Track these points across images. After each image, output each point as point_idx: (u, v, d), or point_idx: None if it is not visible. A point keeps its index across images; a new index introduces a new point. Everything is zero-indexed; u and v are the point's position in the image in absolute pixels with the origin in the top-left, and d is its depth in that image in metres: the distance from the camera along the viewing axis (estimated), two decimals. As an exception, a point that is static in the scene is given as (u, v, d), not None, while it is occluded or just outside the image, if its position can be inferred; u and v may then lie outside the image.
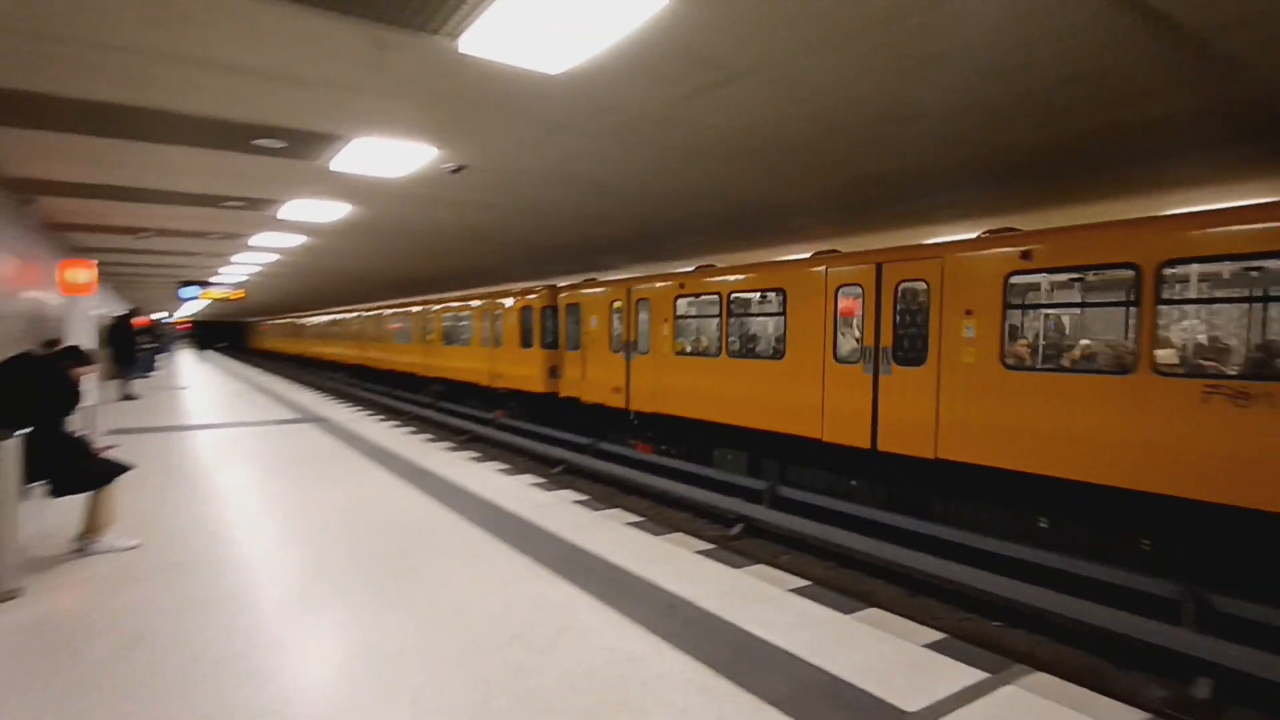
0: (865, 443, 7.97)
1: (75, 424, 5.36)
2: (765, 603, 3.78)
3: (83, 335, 9.99)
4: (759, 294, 10.14)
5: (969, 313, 6.98)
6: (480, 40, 3.78)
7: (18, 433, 3.93)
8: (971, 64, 4.15)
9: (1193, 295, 7.55)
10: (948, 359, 7.14)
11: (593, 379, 13.06)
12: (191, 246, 13.46)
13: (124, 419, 11.32)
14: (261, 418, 11.97)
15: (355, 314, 30.10)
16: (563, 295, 14.19)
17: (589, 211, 9.07)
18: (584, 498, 7.38)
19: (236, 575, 4.23)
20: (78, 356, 4.77)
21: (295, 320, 43.59)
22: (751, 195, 7.95)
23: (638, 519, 6.93)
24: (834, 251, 8.89)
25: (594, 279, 13.73)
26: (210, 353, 47.36)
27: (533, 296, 15.04)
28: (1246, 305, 7.45)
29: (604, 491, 11.15)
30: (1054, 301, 8.24)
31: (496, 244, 12.32)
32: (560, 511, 5.72)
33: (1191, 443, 5.54)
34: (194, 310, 41.38)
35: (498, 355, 16.50)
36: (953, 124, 5.28)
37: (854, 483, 8.44)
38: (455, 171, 6.81)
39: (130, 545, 4.64)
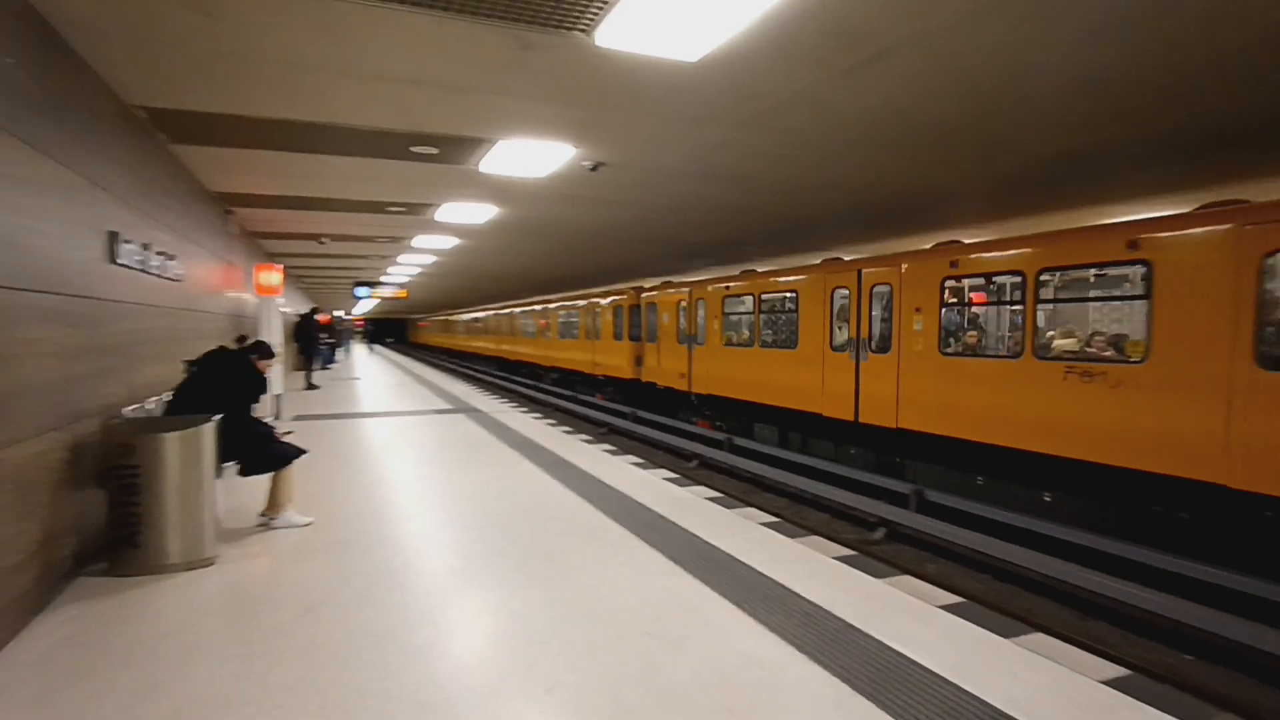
0: (850, 416, 9.80)
1: (261, 411, 6.01)
2: (910, 617, 3.51)
3: (274, 331, 11.22)
4: (780, 295, 11.76)
5: (918, 310, 8.68)
6: (616, 32, 3.78)
7: (213, 418, 4.44)
8: (1172, 21, 3.61)
9: (1057, 296, 8.50)
10: (905, 348, 8.88)
11: (665, 367, 15.46)
12: (362, 250, 14.78)
13: (306, 407, 12.65)
14: (421, 407, 12.91)
15: (492, 312, 34.44)
16: (644, 296, 16.51)
17: (729, 205, 8.93)
18: (718, 494, 7.29)
19: (394, 554, 4.55)
20: (264, 351, 5.33)
21: (447, 317, 48.53)
22: (900, 184, 7.46)
23: (772, 519, 6.74)
24: (836, 259, 10.83)
25: (670, 281, 15.98)
26: (378, 347, 51.99)
27: (622, 297, 17.53)
28: (1089, 304, 8.84)
29: (739, 487, 11.00)
30: (972, 301, 9.41)
31: (635, 241, 12.47)
32: (694, 507, 5.67)
33: (1059, 411, 6.95)
34: (366, 309, 45.54)
35: (597, 347, 19.36)
36: (1144, 93, 4.64)
37: (979, 481, 8.53)
38: (594, 169, 6.93)
39: (305, 522, 5.14)
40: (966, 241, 8.73)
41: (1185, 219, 6.20)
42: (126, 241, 4.85)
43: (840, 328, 10.20)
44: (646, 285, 16.82)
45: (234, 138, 6.03)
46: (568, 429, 11.16)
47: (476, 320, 38.43)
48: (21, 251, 3.42)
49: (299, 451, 5.21)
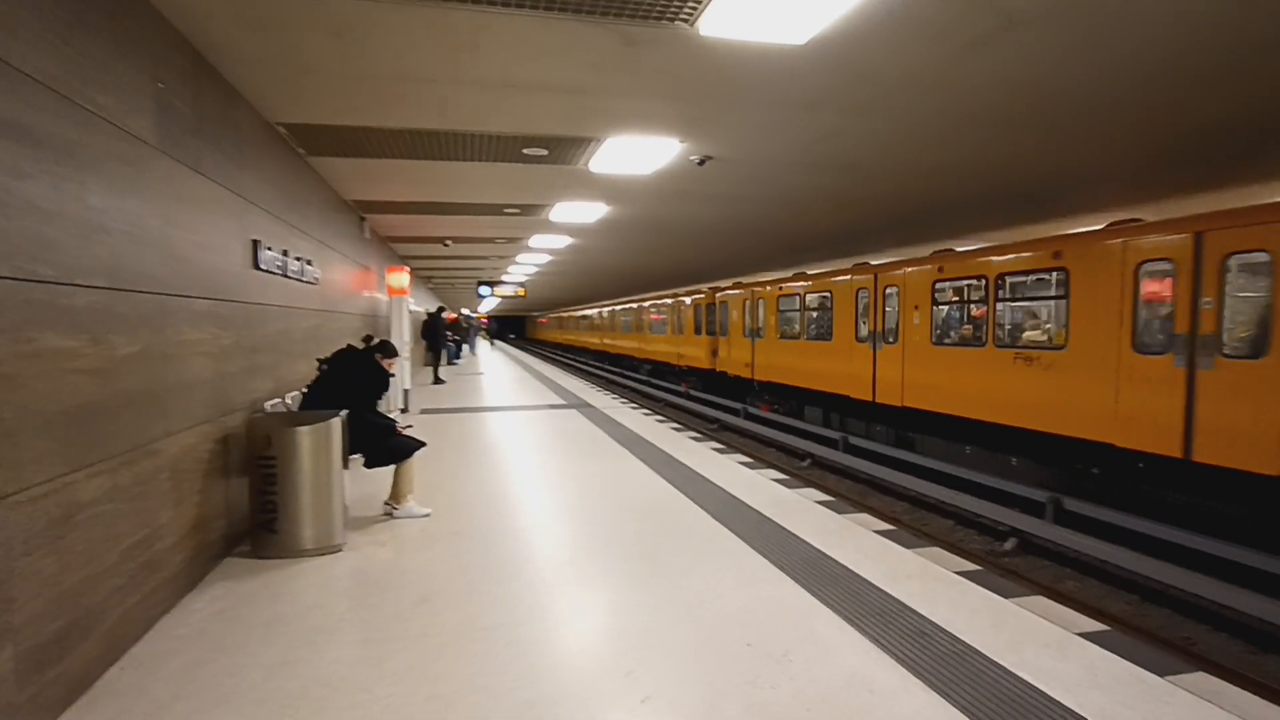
0: (869, 396, 11.75)
1: (388, 406, 6.36)
2: (1045, 646, 3.17)
3: (403, 329, 11.93)
4: (820, 295, 13.62)
5: (916, 308, 10.60)
6: (720, 20, 3.66)
7: (340, 413, 4.74)
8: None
9: (1011, 297, 9.47)
10: (907, 339, 10.81)
11: (734, 357, 17.70)
12: (483, 251, 15.43)
13: (432, 401, 13.37)
14: (536, 402, 13.33)
15: (596, 310, 37.93)
16: (718, 295, 18.63)
17: (844, 195, 8.55)
18: (829, 497, 6.99)
19: (504, 546, 4.68)
20: (388, 350, 5.64)
21: (559, 315, 52.97)
22: (1034, 165, 6.84)
23: (888, 526, 6.37)
24: (864, 264, 12.61)
25: (740, 282, 17.97)
26: (500, 343, 54.35)
27: (700, 296, 19.91)
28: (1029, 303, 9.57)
29: (854, 489, 10.56)
30: (954, 300, 10.45)
31: (743, 236, 12.23)
32: (803, 511, 5.46)
33: (1012, 389, 8.62)
34: (490, 307, 47.72)
35: (681, 341, 22.07)
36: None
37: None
38: (701, 163, 6.82)
39: (424, 513, 5.39)
40: (957, 250, 10.62)
41: (1093, 234, 7.93)
42: (268, 249, 5.27)
43: (863, 323, 12.14)
44: (721, 286, 18.74)
45: (364, 148, 6.41)
46: (676, 425, 11.14)
47: (584, 317, 42.13)
48: (179, 260, 3.78)
49: (418, 445, 5.47)
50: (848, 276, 12.53)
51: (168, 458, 3.62)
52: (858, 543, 4.68)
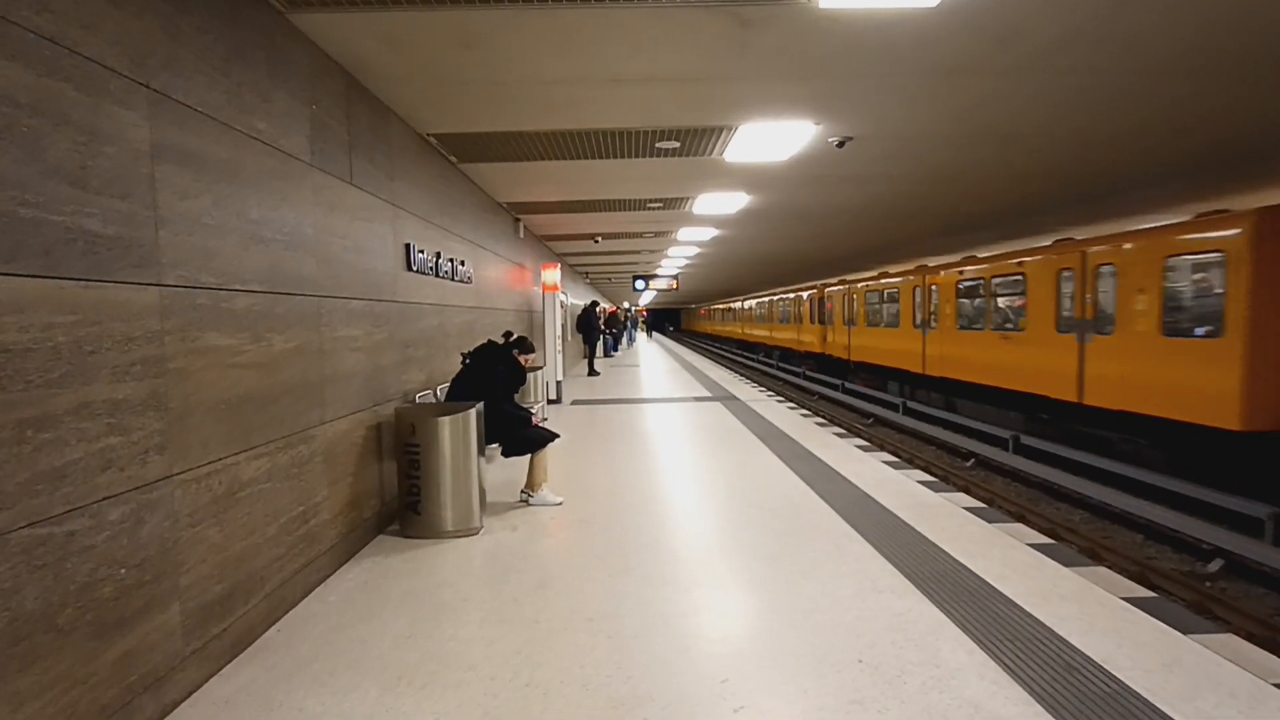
0: (921, 370, 15.24)
1: (525, 398, 6.67)
2: (1232, 696, 2.64)
3: (554, 323, 12.48)
4: (891, 289, 16.97)
5: (947, 301, 14.12)
6: (837, -9, 3.42)
7: (477, 404, 5.03)
8: None
9: (999, 293, 12.48)
10: (941, 325, 14.37)
11: (835, 342, 21.62)
12: (634, 245, 15.75)
13: (586, 392, 13.89)
14: (683, 394, 13.40)
15: (738, 302, 42.28)
16: (825, 291, 22.36)
17: (1003, 171, 7.72)
18: (979, 504, 6.33)
19: (626, 537, 4.73)
20: (525, 346, 5.90)
21: (710, 307, 57.64)
22: (1243, 122, 5.73)
23: (1046, 540, 5.66)
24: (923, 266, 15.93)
25: (845, 279, 20.90)
26: (657, 335, 55.27)
27: (812, 291, 24.00)
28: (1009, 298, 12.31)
29: (1025, 494, 9.55)
30: (968, 295, 13.43)
31: (898, 218, 11.44)
32: (947, 517, 5.00)
33: (1001, 359, 11.98)
34: (647, 300, 48.76)
35: (800, 329, 26.10)
36: None
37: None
38: (840, 145, 6.45)
39: (557, 501, 5.59)
40: (980, 255, 13.23)
41: (1040, 249, 11.09)
42: (420, 251, 5.71)
43: (917, 313, 15.41)
44: (830, 282, 22.20)
45: (508, 152, 6.75)
46: (820, 420, 10.68)
47: (729, 309, 47.55)
48: (336, 265, 4.19)
49: (552, 436, 5.68)
50: (898, 279, 16.44)
51: (323, 442, 4.04)
52: (1006, 555, 4.20)
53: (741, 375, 21.10)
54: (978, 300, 13.11)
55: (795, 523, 4.96)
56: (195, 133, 2.88)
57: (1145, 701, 2.62)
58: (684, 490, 6.07)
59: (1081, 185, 8.52)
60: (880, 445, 12.66)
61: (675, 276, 25.12)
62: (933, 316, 14.62)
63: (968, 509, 5.29)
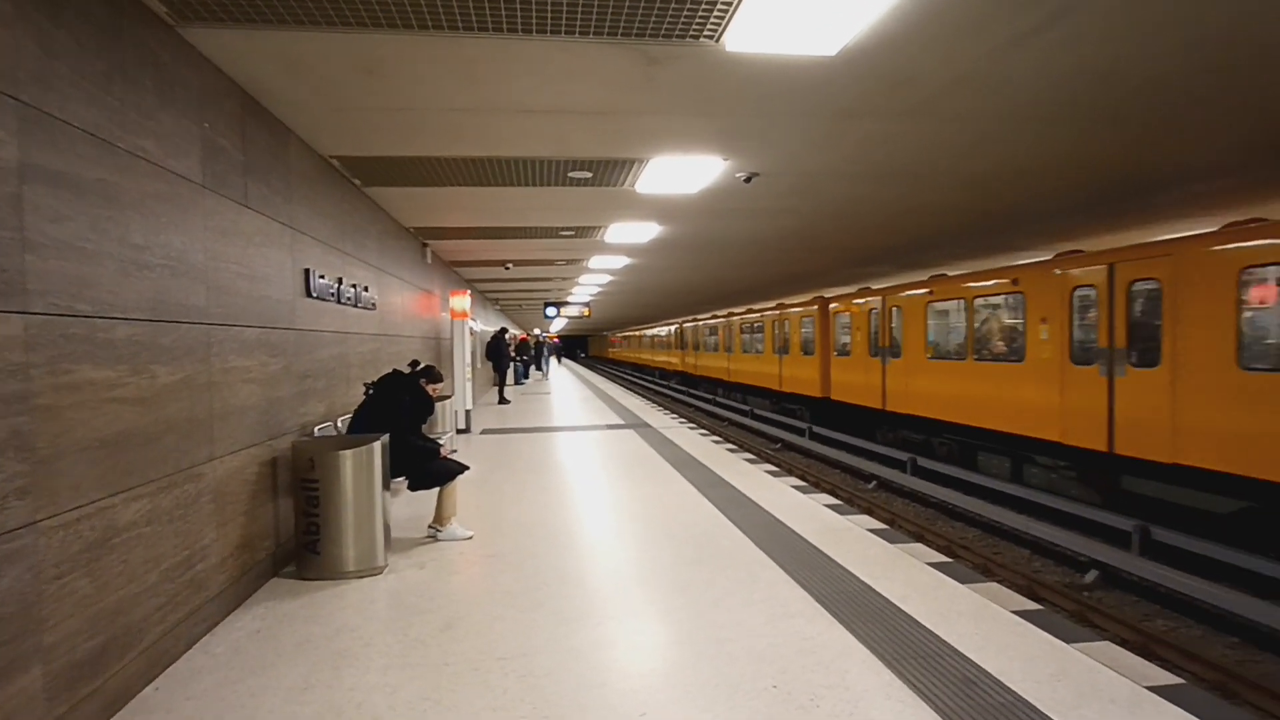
0: (880, 405, 13.64)
1: (439, 428, 6.46)
2: (1113, 703, 2.85)
3: (464, 351, 12.21)
4: (858, 313, 15.29)
5: (912, 326, 12.54)
6: (744, 34, 3.57)
7: (382, 437, 4.83)
8: None
9: (984, 317, 10.93)
10: (907, 352, 12.71)
11: (792, 374, 19.84)
12: (546, 273, 15.67)
13: (496, 420, 13.60)
14: (596, 422, 13.35)
15: (653, 330, 44.07)
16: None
17: (903, 205, 8.20)
18: (883, 526, 6.63)
19: (538, 571, 4.63)
20: (432, 375, 5.73)
21: (624, 333, 58.19)
22: (1124, 162, 6.33)
23: (943, 559, 5.98)
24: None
25: (783, 303, 20.27)
26: (568, 361, 55.06)
27: (770, 313, 22.59)
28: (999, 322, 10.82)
29: (922, 514, 10.05)
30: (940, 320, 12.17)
31: (803, 250, 11.96)
32: (852, 540, 5.19)
33: (982, 394, 10.42)
34: (559, 326, 48.59)
35: (731, 357, 25.28)
36: None
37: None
38: (748, 180, 6.69)
39: (466, 535, 5.42)
40: (949, 274, 12.30)
41: (1040, 264, 9.50)
42: (320, 277, 5.46)
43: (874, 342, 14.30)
44: (756, 306, 22.57)
45: (414, 178, 6.60)
46: (731, 446, 10.91)
47: (641, 336, 49.45)
48: (229, 292, 3.95)
49: (461, 468, 5.52)
50: (862, 300, 14.84)
51: (212, 480, 3.76)
52: (909, 575, 4.40)
53: (654, 403, 21.25)
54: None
55: (708, 550, 5.01)
56: (71, 151, 2.66)
57: (1039, 712, 2.79)
58: (597, 521, 6.02)
59: (982, 218, 9.13)
60: (789, 470, 13.02)
61: (587, 304, 25.20)
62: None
63: (872, 530, 5.51)
